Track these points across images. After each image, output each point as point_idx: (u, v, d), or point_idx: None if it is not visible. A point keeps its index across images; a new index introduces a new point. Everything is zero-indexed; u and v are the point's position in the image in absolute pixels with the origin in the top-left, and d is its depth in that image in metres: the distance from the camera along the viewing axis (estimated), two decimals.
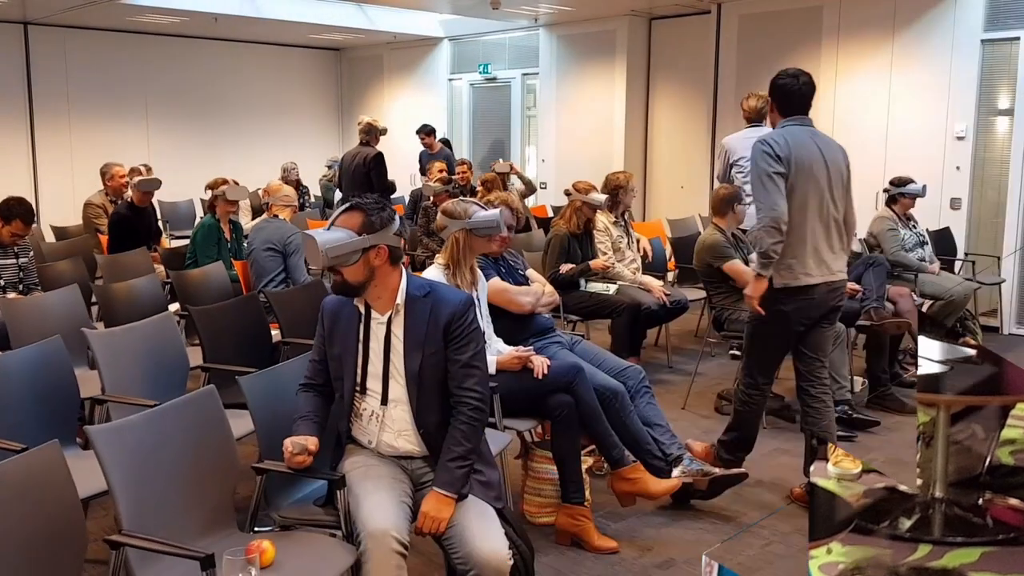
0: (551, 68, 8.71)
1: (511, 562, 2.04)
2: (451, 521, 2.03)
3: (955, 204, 6.17)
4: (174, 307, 4.15)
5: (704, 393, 4.50)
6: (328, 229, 2.10)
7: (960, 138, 6.11)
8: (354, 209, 2.11)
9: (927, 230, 5.51)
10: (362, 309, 2.17)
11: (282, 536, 2.07)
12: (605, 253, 4.75)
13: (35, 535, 1.72)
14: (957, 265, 5.88)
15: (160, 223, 6.28)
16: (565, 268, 4.55)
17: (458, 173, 7.46)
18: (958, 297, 5.06)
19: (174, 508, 1.97)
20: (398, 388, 2.14)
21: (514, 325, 3.18)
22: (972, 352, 1.33)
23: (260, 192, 6.56)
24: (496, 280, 3.16)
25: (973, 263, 5.84)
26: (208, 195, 5.19)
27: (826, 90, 6.75)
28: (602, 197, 4.62)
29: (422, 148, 8.34)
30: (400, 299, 2.14)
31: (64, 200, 8.56)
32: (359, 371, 2.15)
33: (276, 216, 4.66)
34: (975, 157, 6.13)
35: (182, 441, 2.05)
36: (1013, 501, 1.23)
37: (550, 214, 7.29)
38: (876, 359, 4.37)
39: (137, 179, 5.74)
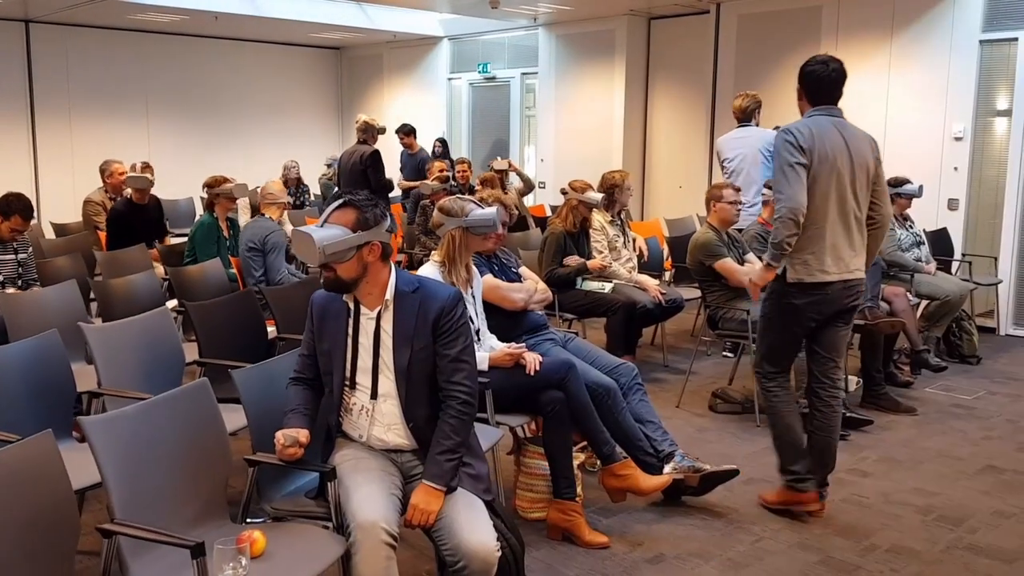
0: (550, 67, 8.73)
1: (499, 554, 2.06)
2: (440, 513, 2.05)
3: (953, 205, 6.18)
4: (172, 303, 4.18)
5: (699, 392, 4.52)
6: (322, 225, 2.12)
7: (958, 139, 6.12)
8: (347, 206, 2.13)
9: (924, 230, 5.52)
10: (351, 305, 2.19)
11: (273, 527, 2.09)
12: (601, 252, 4.76)
13: (28, 524, 1.74)
14: (954, 266, 5.89)
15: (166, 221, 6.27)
16: (572, 260, 4.56)
17: (458, 172, 7.48)
18: (954, 297, 5.08)
19: (167, 499, 1.99)
20: (387, 383, 2.17)
21: (507, 322, 3.20)
22: None
23: (258, 190, 6.57)
24: (489, 277, 3.18)
25: (970, 264, 5.85)
26: (206, 193, 5.21)
27: None
28: (598, 196, 4.64)
29: (402, 148, 8.23)
30: (389, 294, 2.16)
31: (64, 197, 8.59)
32: (348, 366, 2.17)
33: (262, 215, 4.69)
34: (973, 158, 6.14)
35: (175, 433, 2.07)
36: None
37: (548, 213, 7.30)
38: (871, 358, 4.38)
39: (126, 176, 5.77)
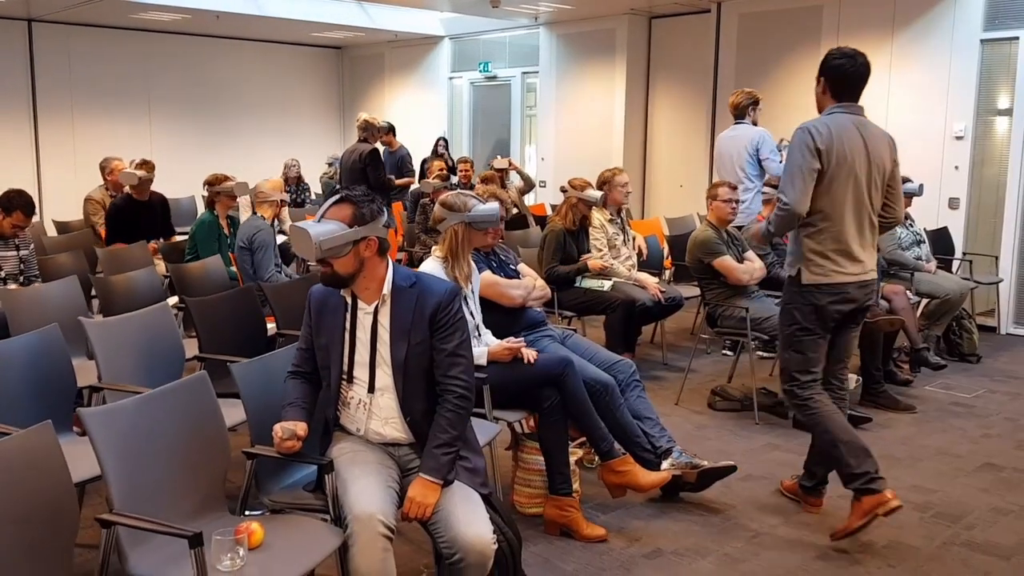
0: (551, 67, 8.74)
1: (495, 546, 2.07)
2: (437, 507, 2.06)
3: (953, 204, 6.18)
4: (173, 300, 4.19)
5: (698, 389, 4.53)
6: (318, 221, 2.13)
7: (959, 138, 6.12)
8: (344, 201, 2.15)
9: (924, 229, 5.52)
10: (348, 299, 2.20)
11: (271, 519, 2.11)
12: (600, 250, 4.77)
13: (27, 515, 1.75)
14: (955, 264, 5.89)
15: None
16: (593, 263, 4.58)
17: (460, 171, 7.50)
18: (954, 296, 5.08)
19: (165, 490, 2.00)
20: (384, 377, 2.18)
21: (505, 319, 3.21)
22: None
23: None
24: (487, 274, 3.19)
25: (971, 262, 5.85)
26: (206, 191, 5.22)
27: None
28: (597, 194, 4.65)
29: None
30: (387, 289, 2.18)
31: (67, 195, 8.61)
32: (346, 360, 2.18)
33: (255, 213, 4.71)
34: (974, 157, 6.14)
35: (174, 425, 2.08)
36: None
37: (548, 212, 7.32)
38: (870, 356, 4.38)
39: (119, 172, 5.78)
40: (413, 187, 7.86)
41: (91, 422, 1.90)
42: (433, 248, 3.01)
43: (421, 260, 5.28)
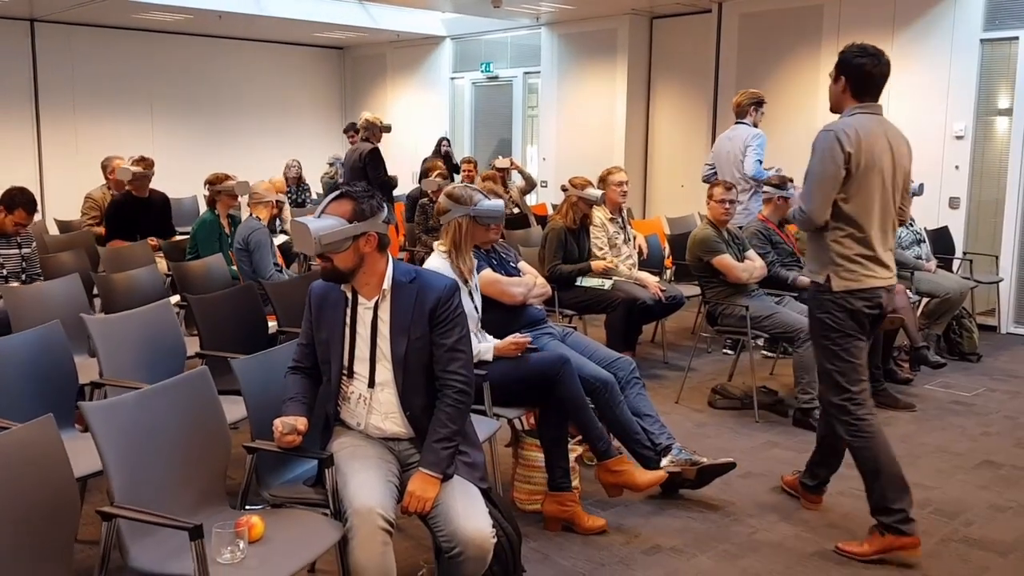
0: (552, 67, 8.75)
1: (495, 540, 2.08)
2: (436, 500, 2.07)
3: (954, 203, 6.19)
4: (175, 299, 4.21)
5: (698, 388, 4.53)
6: (319, 216, 2.14)
7: (959, 137, 6.13)
8: (344, 197, 2.16)
9: (925, 229, 5.53)
10: (349, 294, 2.21)
11: (271, 513, 2.12)
12: (601, 248, 4.78)
13: (28, 509, 1.76)
14: (955, 264, 5.90)
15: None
16: (597, 264, 4.60)
17: (464, 171, 7.51)
18: (954, 295, 5.09)
19: (166, 484, 2.01)
20: (385, 372, 2.19)
21: (506, 316, 3.22)
22: None
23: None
24: (488, 272, 3.20)
25: (971, 262, 5.86)
26: (207, 191, 5.24)
27: (826, 89, 6.77)
28: (598, 193, 4.66)
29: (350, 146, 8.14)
30: (387, 284, 2.19)
31: (69, 195, 8.61)
32: (346, 355, 2.20)
33: (251, 215, 4.73)
34: (974, 156, 6.15)
35: (175, 420, 2.10)
36: None
37: (550, 212, 7.33)
38: (870, 355, 4.36)
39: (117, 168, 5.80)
40: (411, 188, 7.85)
41: (93, 416, 1.91)
42: (435, 244, 3.02)
43: (422, 260, 5.31)
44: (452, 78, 10.01)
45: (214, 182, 5.05)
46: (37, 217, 4.45)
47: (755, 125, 5.43)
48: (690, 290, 5.12)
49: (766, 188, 4.76)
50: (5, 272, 4.21)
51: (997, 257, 6.01)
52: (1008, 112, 6.00)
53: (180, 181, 8.04)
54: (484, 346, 2.91)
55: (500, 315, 3.20)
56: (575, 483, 2.96)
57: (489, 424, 2.79)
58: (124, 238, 5.45)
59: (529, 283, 3.33)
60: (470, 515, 2.05)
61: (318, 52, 11.05)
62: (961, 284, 5.22)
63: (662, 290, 4.68)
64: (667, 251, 5.96)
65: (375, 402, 2.20)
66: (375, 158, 6.17)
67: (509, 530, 2.34)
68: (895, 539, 2.66)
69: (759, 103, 5.44)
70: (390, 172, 6.54)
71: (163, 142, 9.57)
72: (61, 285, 3.83)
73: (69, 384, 2.74)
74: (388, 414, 2.21)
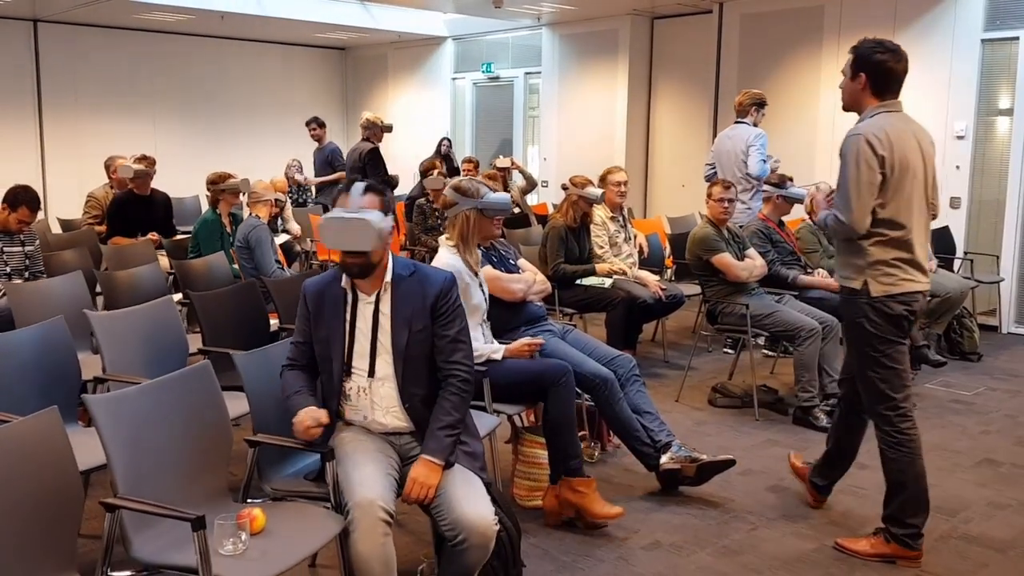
0: (553, 67, 8.77)
1: (497, 527, 2.09)
2: (438, 489, 2.09)
3: (954, 203, 6.19)
4: (177, 297, 4.23)
5: (698, 387, 4.54)
6: (359, 211, 2.11)
7: (960, 137, 6.13)
8: (372, 191, 2.17)
9: None
10: (349, 290, 2.21)
11: (273, 506, 2.13)
12: (602, 247, 4.80)
13: (33, 501, 1.77)
14: (956, 264, 5.90)
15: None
16: (601, 267, 4.60)
17: (464, 171, 7.53)
18: (955, 295, 5.09)
19: (169, 477, 2.03)
20: (385, 366, 2.20)
21: (506, 313, 3.23)
22: None
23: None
24: (488, 268, 3.21)
25: (972, 261, 5.86)
26: (208, 191, 5.25)
27: (827, 89, 6.79)
28: (598, 191, 4.67)
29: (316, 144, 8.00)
30: (388, 278, 2.21)
31: (71, 195, 8.64)
32: (346, 351, 2.20)
33: (251, 213, 4.76)
34: (975, 156, 6.15)
35: (178, 413, 2.11)
36: None
37: (551, 211, 7.34)
38: None
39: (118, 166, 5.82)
40: (412, 188, 7.86)
41: (96, 408, 1.93)
42: (442, 238, 3.00)
43: (423, 259, 5.32)
44: (453, 78, 10.03)
45: (217, 181, 5.07)
46: (40, 216, 4.46)
47: (755, 125, 5.44)
48: (691, 289, 5.13)
49: (765, 187, 4.77)
50: (9, 269, 4.23)
51: (998, 257, 6.02)
52: (1009, 112, 6.01)
53: (182, 181, 8.07)
54: (492, 347, 2.91)
55: (500, 312, 3.21)
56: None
57: (489, 420, 2.80)
58: (125, 236, 5.48)
59: (529, 280, 3.34)
60: (472, 502, 2.07)
61: (320, 52, 11.08)
62: (962, 284, 5.22)
63: (662, 289, 4.70)
64: (668, 250, 5.97)
65: (375, 395, 2.21)
66: (375, 158, 6.20)
67: (509, 525, 2.35)
68: (901, 550, 2.64)
69: (761, 104, 5.46)
70: (391, 172, 6.56)
71: (165, 142, 9.60)
72: (64, 282, 3.85)
73: (72, 379, 2.76)
74: (388, 408, 2.22)
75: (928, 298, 5.01)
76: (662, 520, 2.98)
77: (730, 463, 3.12)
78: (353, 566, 1.97)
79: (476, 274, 2.93)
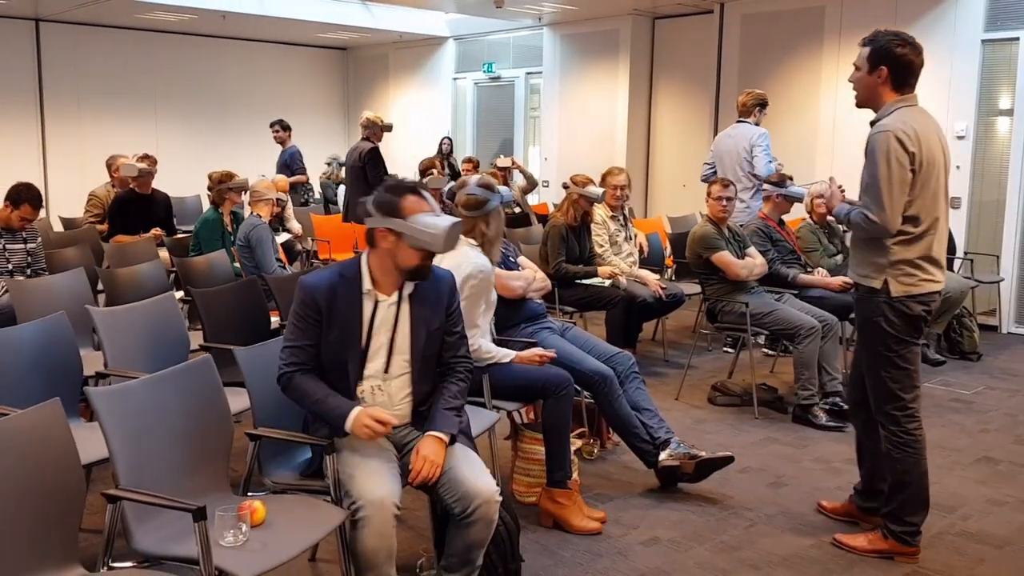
0: (554, 67, 8.78)
1: (500, 499, 2.15)
2: (443, 467, 2.13)
3: (955, 203, 6.20)
4: (179, 295, 4.24)
5: (698, 385, 4.55)
6: (438, 214, 2.15)
7: (960, 137, 6.14)
8: (424, 195, 2.18)
9: None
10: (373, 289, 2.19)
11: (273, 498, 2.14)
12: (602, 246, 4.81)
13: (35, 491, 1.78)
14: (956, 264, 5.91)
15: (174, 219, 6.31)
16: (603, 270, 4.59)
17: (464, 171, 7.55)
18: (954, 294, 5.10)
19: (170, 469, 2.04)
20: (402, 364, 2.23)
21: (506, 310, 3.24)
22: None
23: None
24: None
25: (972, 261, 5.87)
26: (209, 190, 5.27)
27: (828, 89, 6.81)
28: (599, 190, 4.68)
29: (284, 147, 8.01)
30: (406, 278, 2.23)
31: (73, 194, 8.66)
32: (363, 351, 2.19)
33: (252, 212, 4.77)
34: (975, 156, 6.16)
35: (179, 406, 2.12)
36: None
37: (552, 211, 7.35)
38: None
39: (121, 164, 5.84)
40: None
41: (99, 401, 1.94)
42: (464, 237, 2.82)
43: None
44: (454, 78, 10.04)
45: (222, 180, 5.08)
46: (42, 214, 4.48)
47: (757, 124, 5.45)
48: (691, 288, 5.14)
49: (765, 186, 4.78)
50: (11, 267, 4.24)
51: (998, 257, 6.03)
52: (1009, 112, 6.02)
53: (183, 180, 8.09)
54: (502, 352, 2.91)
55: (500, 309, 3.20)
56: (574, 476, 2.97)
57: (488, 416, 2.81)
58: (126, 235, 5.49)
59: (529, 277, 3.36)
60: (478, 475, 2.14)
61: (321, 52, 11.10)
62: (962, 283, 5.23)
63: (662, 288, 4.70)
64: (668, 250, 5.98)
65: (388, 393, 2.23)
66: (374, 157, 6.21)
67: (508, 519, 2.37)
68: (897, 546, 2.65)
69: (763, 104, 5.47)
70: (392, 172, 6.57)
71: (167, 141, 9.62)
72: (66, 279, 3.86)
73: (74, 374, 2.77)
74: (395, 405, 2.25)
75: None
76: (661, 516, 2.99)
77: (729, 460, 3.13)
78: (359, 558, 2.00)
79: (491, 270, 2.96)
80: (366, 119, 6.31)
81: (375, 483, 2.04)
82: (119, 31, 9.36)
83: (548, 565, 2.63)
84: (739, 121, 5.48)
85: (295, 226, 6.88)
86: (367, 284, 2.18)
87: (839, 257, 4.77)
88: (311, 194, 8.90)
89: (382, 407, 2.20)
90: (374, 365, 2.21)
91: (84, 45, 9.18)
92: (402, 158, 9.28)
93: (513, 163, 7.30)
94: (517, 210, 6.96)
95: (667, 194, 8.33)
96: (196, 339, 3.40)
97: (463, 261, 2.72)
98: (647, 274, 4.83)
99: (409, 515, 2.85)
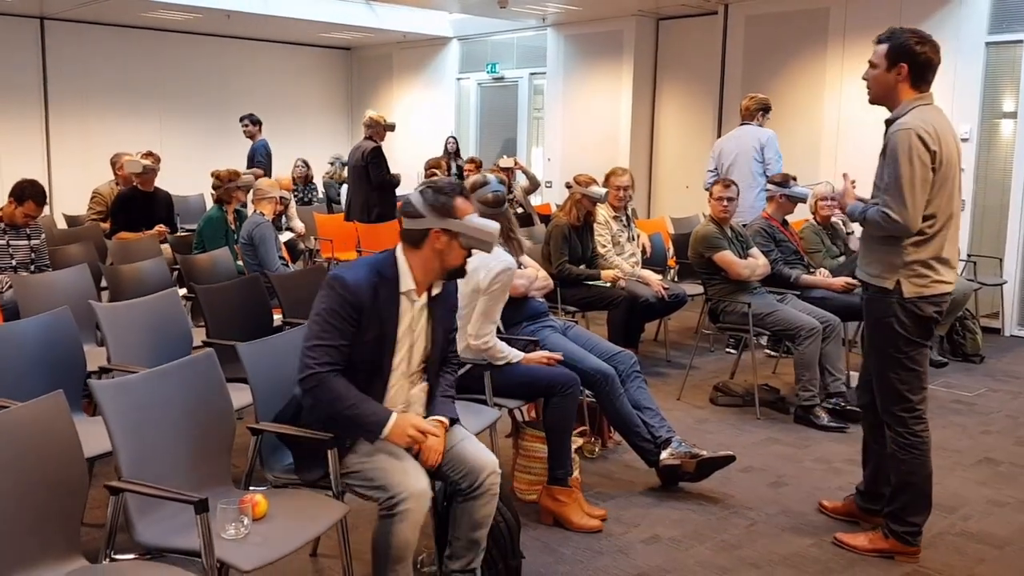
0: (558, 68, 8.79)
1: (500, 471, 2.22)
2: (445, 448, 2.19)
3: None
4: (182, 292, 4.25)
5: (700, 386, 4.55)
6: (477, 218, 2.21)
7: (964, 140, 6.13)
8: (465, 195, 2.23)
9: None
10: (410, 289, 2.20)
11: (275, 492, 2.15)
12: (604, 246, 4.81)
13: (38, 483, 1.79)
14: (960, 266, 5.89)
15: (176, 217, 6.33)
16: (606, 274, 4.58)
17: (467, 171, 7.56)
18: (957, 296, 5.08)
19: (172, 463, 2.05)
20: (421, 362, 2.29)
21: (508, 309, 3.22)
22: None
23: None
24: None
25: (975, 264, 5.86)
26: (213, 188, 5.28)
27: (832, 91, 6.80)
28: (602, 191, 4.68)
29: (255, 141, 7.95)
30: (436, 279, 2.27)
31: (77, 192, 8.68)
32: (394, 351, 2.20)
33: (255, 210, 4.78)
34: (978, 159, 6.16)
35: (182, 400, 2.13)
36: None
37: (554, 211, 7.36)
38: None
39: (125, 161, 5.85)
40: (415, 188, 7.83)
41: (102, 394, 1.95)
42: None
43: None
44: (458, 79, 10.06)
45: (229, 179, 5.09)
46: (45, 211, 4.49)
47: (760, 127, 5.45)
48: (693, 289, 5.14)
49: (769, 186, 4.78)
50: (15, 263, 4.26)
51: (1001, 260, 6.02)
52: (1013, 115, 6.01)
53: (187, 179, 8.11)
54: (511, 352, 2.92)
55: (503, 308, 3.22)
56: (575, 474, 2.97)
57: (490, 413, 2.81)
58: (129, 232, 5.51)
59: (531, 276, 3.36)
60: (480, 450, 2.24)
61: (325, 52, 11.12)
62: (965, 286, 5.22)
63: (665, 288, 4.71)
64: (671, 251, 5.99)
65: (412, 391, 2.27)
66: (377, 157, 6.22)
67: (508, 516, 2.38)
68: (900, 546, 2.65)
69: (766, 109, 5.48)
70: (395, 171, 6.58)
71: (171, 140, 9.64)
72: (70, 275, 3.87)
73: (77, 369, 2.78)
74: (413, 403, 2.28)
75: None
76: (662, 515, 2.99)
77: (730, 459, 3.13)
78: (392, 550, 2.03)
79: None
80: (369, 118, 6.33)
81: (414, 475, 2.07)
82: (124, 30, 9.39)
83: (548, 562, 2.64)
84: (743, 123, 5.49)
85: (298, 225, 6.89)
86: (407, 284, 2.18)
87: (842, 258, 4.77)
88: (316, 193, 8.92)
89: (420, 406, 2.29)
90: (401, 367, 2.24)
91: (89, 44, 9.21)
92: (405, 158, 9.30)
93: (516, 164, 7.31)
94: (520, 210, 6.97)
95: (670, 195, 8.33)
96: (199, 336, 3.41)
97: (491, 257, 2.75)
98: (649, 274, 4.83)
99: None
